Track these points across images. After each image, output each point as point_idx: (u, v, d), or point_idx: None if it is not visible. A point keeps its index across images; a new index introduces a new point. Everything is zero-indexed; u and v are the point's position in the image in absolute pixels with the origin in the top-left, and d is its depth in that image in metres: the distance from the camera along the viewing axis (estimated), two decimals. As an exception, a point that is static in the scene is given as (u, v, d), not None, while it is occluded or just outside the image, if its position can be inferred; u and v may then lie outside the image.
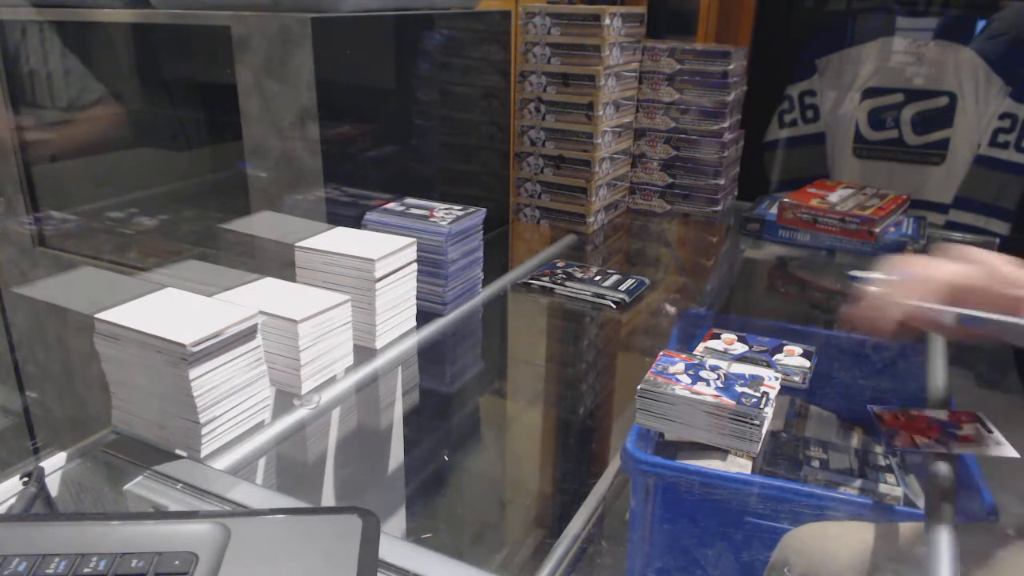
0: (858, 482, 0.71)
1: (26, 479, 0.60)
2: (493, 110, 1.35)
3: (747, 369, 0.71)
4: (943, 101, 1.52)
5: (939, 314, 0.57)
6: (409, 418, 0.87)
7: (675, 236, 1.49)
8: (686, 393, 0.67)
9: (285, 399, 0.77)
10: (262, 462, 0.70)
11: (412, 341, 0.93)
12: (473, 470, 0.84)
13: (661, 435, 0.72)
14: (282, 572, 0.45)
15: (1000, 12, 1.48)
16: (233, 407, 0.69)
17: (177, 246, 1.32)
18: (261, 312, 0.71)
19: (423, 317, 0.96)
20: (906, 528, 0.60)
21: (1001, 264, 0.58)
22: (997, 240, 1.45)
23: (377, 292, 0.86)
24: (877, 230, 1.22)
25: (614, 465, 0.75)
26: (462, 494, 0.80)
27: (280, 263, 0.95)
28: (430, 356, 0.94)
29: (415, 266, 0.92)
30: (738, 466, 0.68)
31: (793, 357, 0.86)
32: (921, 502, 0.68)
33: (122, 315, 0.67)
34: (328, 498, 0.74)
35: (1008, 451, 0.60)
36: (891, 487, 0.71)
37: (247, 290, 0.80)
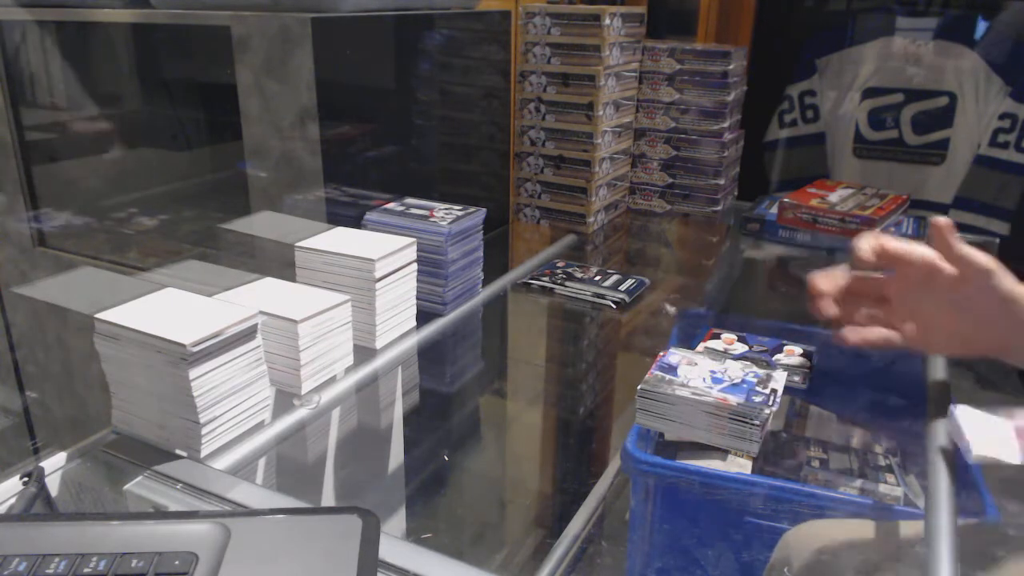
0: (858, 482, 0.71)
1: (26, 479, 0.60)
2: (493, 110, 1.35)
3: (754, 368, 0.71)
4: (943, 101, 1.52)
5: None
6: (409, 418, 0.87)
7: (675, 236, 1.49)
8: (686, 393, 0.67)
9: (285, 399, 0.77)
10: (262, 462, 0.70)
11: (412, 341, 0.93)
12: (473, 470, 0.84)
13: (661, 435, 0.72)
14: (282, 572, 0.45)
15: (1001, 13, 1.48)
16: (233, 407, 0.69)
17: (177, 246, 1.32)
18: (261, 312, 0.71)
19: (423, 317, 0.96)
20: (907, 527, 0.60)
21: None
22: (997, 240, 1.45)
23: (377, 292, 0.86)
24: (877, 230, 1.22)
25: (614, 465, 0.75)
26: (462, 494, 0.80)
27: (280, 263, 0.95)
28: (430, 356, 0.94)
29: (415, 266, 0.92)
30: (738, 466, 0.68)
31: (793, 357, 0.86)
32: (921, 502, 0.68)
33: (122, 315, 0.67)
34: (328, 498, 0.74)
35: None
36: (891, 487, 0.71)
37: (247, 290, 0.80)
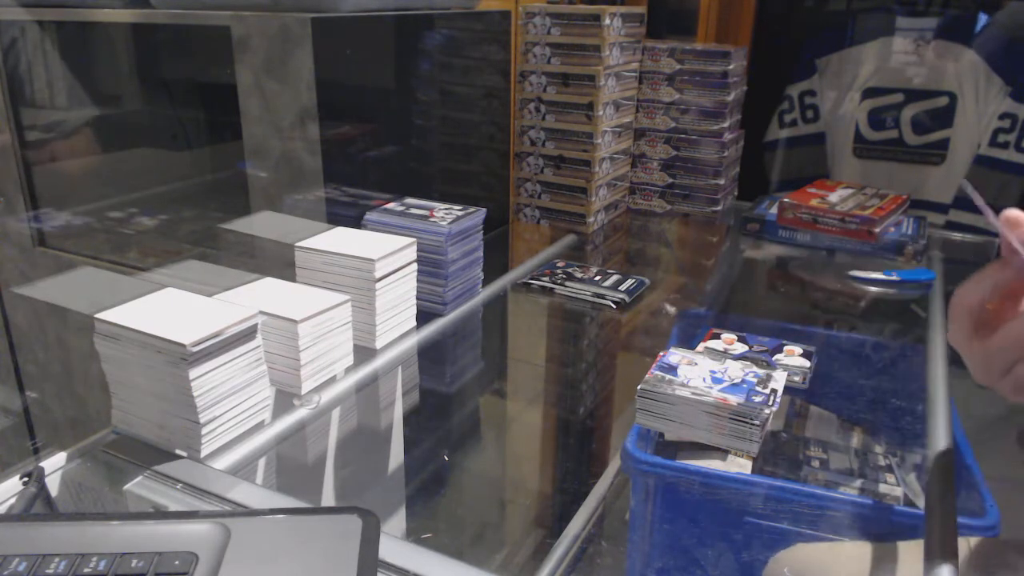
0: (858, 482, 0.71)
1: (26, 479, 0.60)
2: (493, 110, 1.35)
3: (754, 368, 0.71)
4: (943, 101, 1.52)
5: None
6: (409, 418, 0.87)
7: (675, 236, 1.49)
8: (686, 393, 0.67)
9: (285, 399, 0.77)
10: (262, 462, 0.70)
11: (412, 341, 0.93)
12: (473, 470, 0.84)
13: (661, 435, 0.72)
14: (282, 572, 0.45)
15: (999, 12, 1.48)
16: (233, 407, 0.69)
17: (177, 246, 1.32)
18: (261, 312, 0.71)
19: (423, 317, 0.96)
20: (900, 550, 0.58)
21: None
22: (997, 240, 1.45)
23: (377, 292, 0.86)
24: (877, 230, 1.22)
25: (614, 465, 0.75)
26: (462, 494, 0.80)
27: (280, 263, 0.95)
28: (430, 356, 0.94)
29: (415, 266, 0.92)
30: (738, 466, 0.68)
31: (793, 357, 0.86)
32: (921, 502, 0.68)
33: (122, 315, 0.67)
34: (328, 498, 0.74)
35: None
36: (891, 487, 0.71)
37: (247, 290, 0.80)
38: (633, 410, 0.69)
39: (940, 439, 0.63)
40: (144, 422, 0.68)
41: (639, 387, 0.68)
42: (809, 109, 1.65)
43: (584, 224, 1.41)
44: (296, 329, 0.75)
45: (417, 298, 0.95)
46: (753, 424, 0.64)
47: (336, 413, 0.80)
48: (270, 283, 0.82)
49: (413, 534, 0.71)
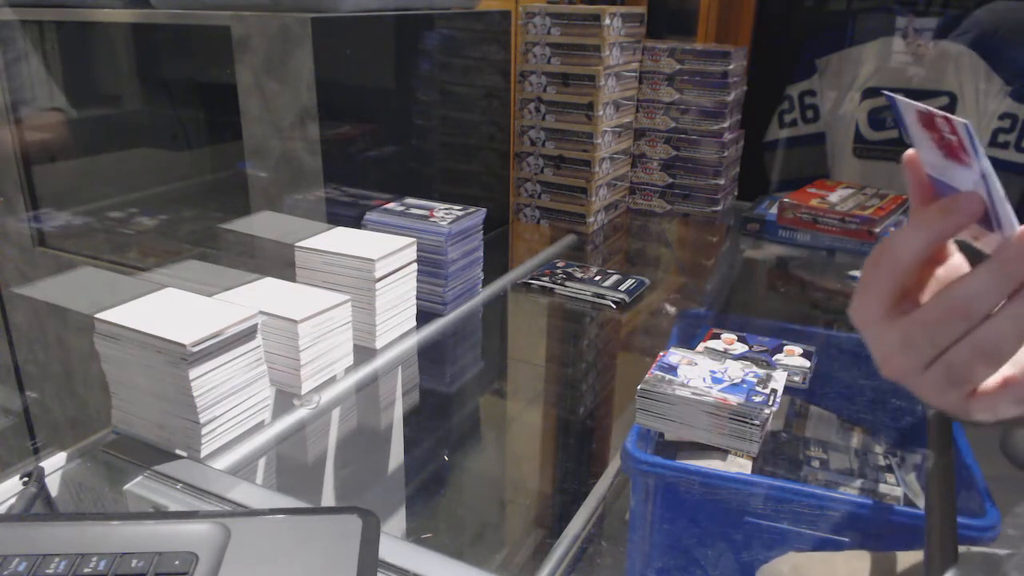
0: (858, 482, 0.71)
1: (26, 479, 0.60)
2: (493, 110, 1.35)
3: (754, 368, 0.71)
4: (943, 101, 1.52)
5: None
6: (409, 418, 0.87)
7: (675, 236, 1.49)
8: (686, 393, 0.67)
9: (285, 399, 0.77)
10: (262, 462, 0.70)
11: (412, 341, 0.93)
12: (473, 470, 0.84)
13: (661, 435, 0.72)
14: (282, 572, 0.45)
15: (1002, 13, 1.48)
16: (233, 407, 0.69)
17: (177, 246, 1.32)
18: (261, 312, 0.71)
19: (423, 317, 0.96)
20: (891, 560, 0.56)
21: None
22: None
23: (377, 292, 0.86)
24: (877, 230, 1.22)
25: (614, 465, 0.75)
26: (462, 494, 0.80)
27: (280, 263, 0.95)
28: (430, 356, 0.94)
29: (415, 266, 0.92)
30: (738, 466, 0.68)
31: (793, 357, 0.86)
32: (921, 502, 0.68)
33: (122, 315, 0.67)
34: (328, 498, 0.74)
35: None
36: (891, 487, 0.71)
37: (247, 290, 0.80)
38: (633, 410, 0.69)
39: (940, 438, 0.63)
40: (144, 422, 0.68)
41: (639, 387, 0.68)
42: (809, 109, 1.65)
43: (584, 224, 1.41)
44: (296, 329, 0.75)
45: (417, 298, 0.95)
46: (753, 424, 0.64)
47: (336, 413, 0.80)
48: (270, 283, 0.82)
49: (413, 534, 0.71)
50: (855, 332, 0.40)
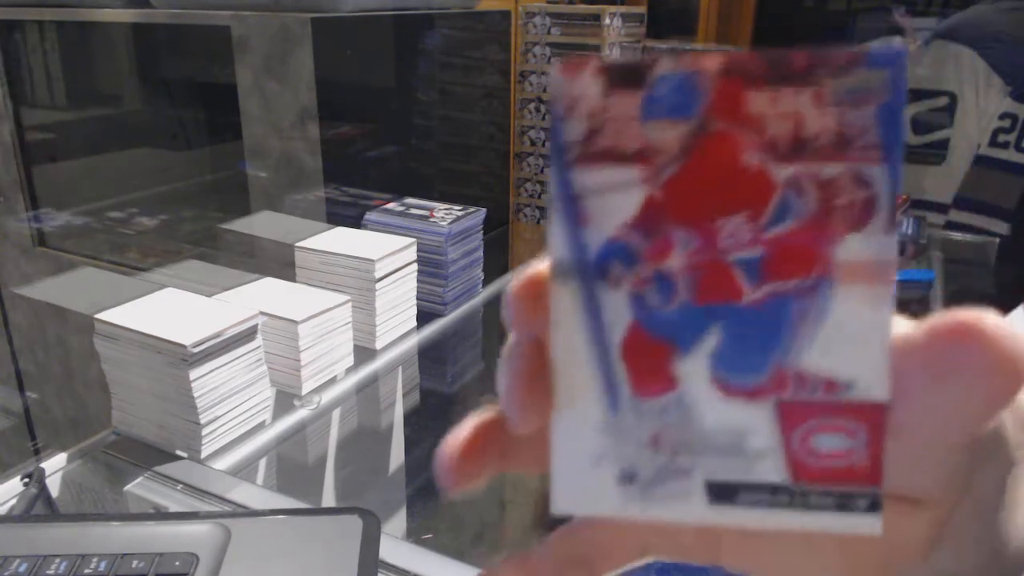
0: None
1: (27, 480, 0.60)
2: (493, 110, 1.35)
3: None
4: (943, 101, 1.52)
5: None
6: (409, 418, 0.87)
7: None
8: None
9: (285, 399, 0.77)
10: (262, 463, 0.70)
11: (412, 341, 0.93)
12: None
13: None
14: (282, 572, 0.45)
15: (1002, 13, 1.48)
16: (233, 408, 0.69)
17: (177, 246, 1.32)
18: (261, 312, 0.71)
19: (423, 317, 0.96)
20: None
21: None
22: (997, 240, 1.45)
23: (377, 292, 0.86)
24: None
25: (614, 465, 0.74)
26: (462, 494, 0.80)
27: (280, 263, 0.96)
28: (430, 356, 0.94)
29: (415, 266, 0.92)
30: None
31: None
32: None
33: (122, 315, 0.67)
34: (328, 498, 0.74)
35: None
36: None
37: (247, 290, 0.80)
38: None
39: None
40: (144, 423, 0.68)
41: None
42: (809, 109, 1.65)
43: (584, 224, 1.41)
44: (296, 329, 0.75)
45: (417, 298, 0.95)
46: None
47: (336, 414, 0.80)
48: (270, 283, 0.82)
49: (413, 534, 0.71)
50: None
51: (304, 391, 0.78)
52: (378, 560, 0.47)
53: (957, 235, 1.41)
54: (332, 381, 0.81)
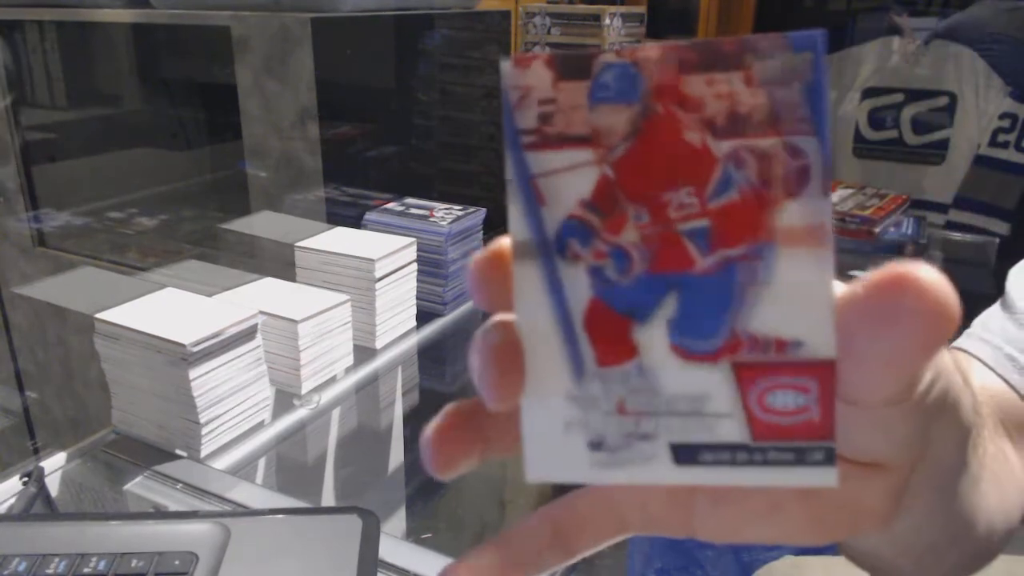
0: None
1: (26, 479, 0.60)
2: (493, 110, 1.35)
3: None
4: (943, 101, 1.52)
5: None
6: (409, 418, 0.87)
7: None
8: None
9: (285, 399, 0.77)
10: (262, 462, 0.70)
11: (412, 341, 0.93)
12: (473, 470, 0.84)
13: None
14: (282, 572, 0.45)
15: (1002, 13, 1.48)
16: (233, 407, 0.69)
17: (177, 246, 1.32)
18: (261, 312, 0.71)
19: (423, 317, 0.96)
20: None
21: None
22: (997, 240, 1.45)
23: (377, 292, 0.86)
24: (877, 230, 1.22)
25: (614, 465, 0.74)
26: (462, 494, 0.80)
27: (280, 263, 0.96)
28: (430, 356, 0.94)
29: (415, 266, 0.92)
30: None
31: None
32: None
33: (122, 315, 0.67)
34: (328, 498, 0.74)
35: None
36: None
37: (247, 290, 0.80)
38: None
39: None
40: (144, 422, 0.68)
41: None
42: (809, 109, 1.65)
43: (584, 224, 1.41)
44: (296, 329, 0.75)
45: (417, 298, 0.95)
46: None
47: (336, 413, 0.80)
48: (270, 283, 0.82)
49: (413, 534, 0.71)
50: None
51: (304, 391, 0.78)
52: (378, 559, 0.47)
53: (957, 235, 1.41)
54: (332, 381, 0.81)
